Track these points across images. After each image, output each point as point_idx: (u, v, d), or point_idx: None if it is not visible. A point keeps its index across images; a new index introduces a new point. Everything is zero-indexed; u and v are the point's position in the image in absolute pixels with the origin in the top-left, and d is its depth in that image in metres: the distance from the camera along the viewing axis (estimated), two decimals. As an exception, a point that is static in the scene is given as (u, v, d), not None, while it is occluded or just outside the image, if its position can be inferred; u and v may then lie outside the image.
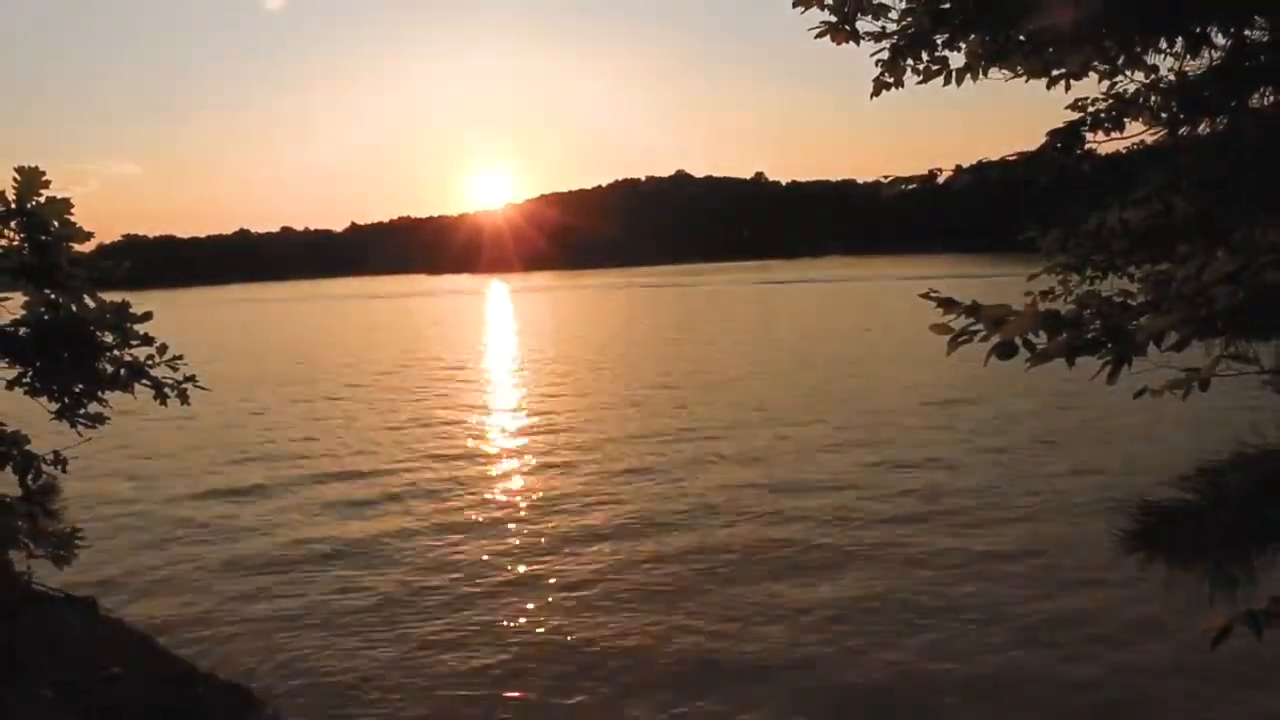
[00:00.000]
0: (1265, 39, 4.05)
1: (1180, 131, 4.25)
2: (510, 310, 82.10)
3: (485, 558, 13.75)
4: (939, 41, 4.68)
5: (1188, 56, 4.15)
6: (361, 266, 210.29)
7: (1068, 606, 11.03)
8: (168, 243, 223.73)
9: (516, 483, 18.52)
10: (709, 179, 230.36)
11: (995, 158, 4.79)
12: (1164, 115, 4.38)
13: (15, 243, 4.99)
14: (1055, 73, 4.55)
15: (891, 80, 4.89)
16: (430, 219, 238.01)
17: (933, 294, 3.78)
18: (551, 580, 12.72)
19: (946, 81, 4.74)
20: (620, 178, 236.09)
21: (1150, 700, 8.91)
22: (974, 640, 10.28)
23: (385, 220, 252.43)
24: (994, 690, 9.21)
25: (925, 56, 4.71)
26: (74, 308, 5.05)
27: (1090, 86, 4.66)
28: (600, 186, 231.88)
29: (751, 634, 10.73)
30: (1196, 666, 8.94)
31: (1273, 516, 3.95)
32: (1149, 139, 4.50)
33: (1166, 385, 3.55)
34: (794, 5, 4.90)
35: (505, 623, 11.32)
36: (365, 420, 26.79)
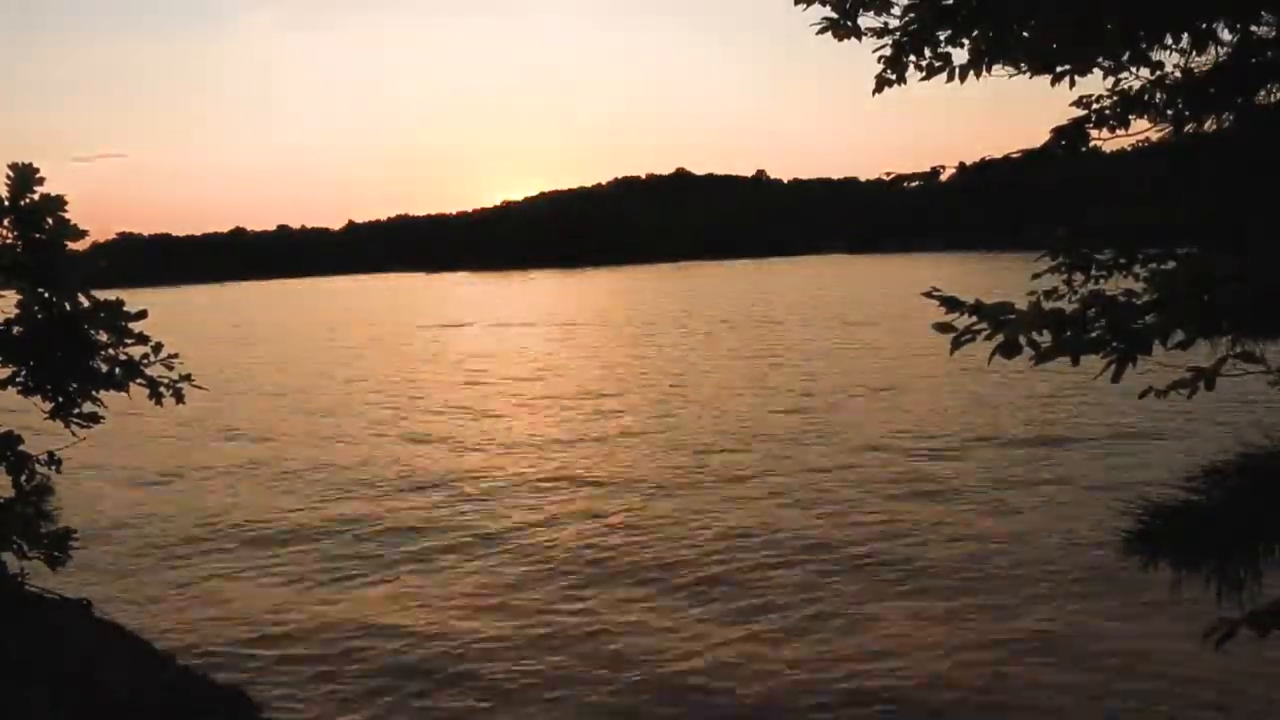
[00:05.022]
0: (1272, 35, 4.01)
1: (1186, 129, 4.22)
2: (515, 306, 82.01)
3: (496, 565, 13.64)
4: (942, 38, 4.65)
5: (1194, 53, 4.12)
6: (359, 265, 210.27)
7: (1067, 609, 11.00)
8: (163, 240, 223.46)
9: (535, 488, 18.33)
10: (710, 176, 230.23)
11: (999, 155, 4.76)
12: (1170, 112, 4.35)
13: (9, 240, 4.95)
14: (1059, 69, 4.51)
15: (894, 77, 4.86)
16: (428, 217, 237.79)
17: (935, 293, 3.74)
18: (563, 593, 12.53)
19: (950, 78, 4.70)
20: (620, 175, 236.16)
21: (1153, 703, 8.87)
22: (972, 642, 10.24)
23: (383, 218, 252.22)
24: (990, 694, 9.17)
25: (928, 53, 4.68)
26: (68, 306, 5.01)
27: (1095, 83, 4.63)
28: (600, 184, 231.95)
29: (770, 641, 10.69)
30: (1202, 668, 8.91)
31: (1278, 516, 3.92)
32: (1154, 136, 4.47)
33: (1172, 385, 3.51)
34: (795, 2, 4.86)
35: (512, 634, 11.18)
36: (372, 422, 26.74)
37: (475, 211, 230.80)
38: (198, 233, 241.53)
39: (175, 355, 5.39)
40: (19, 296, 5.03)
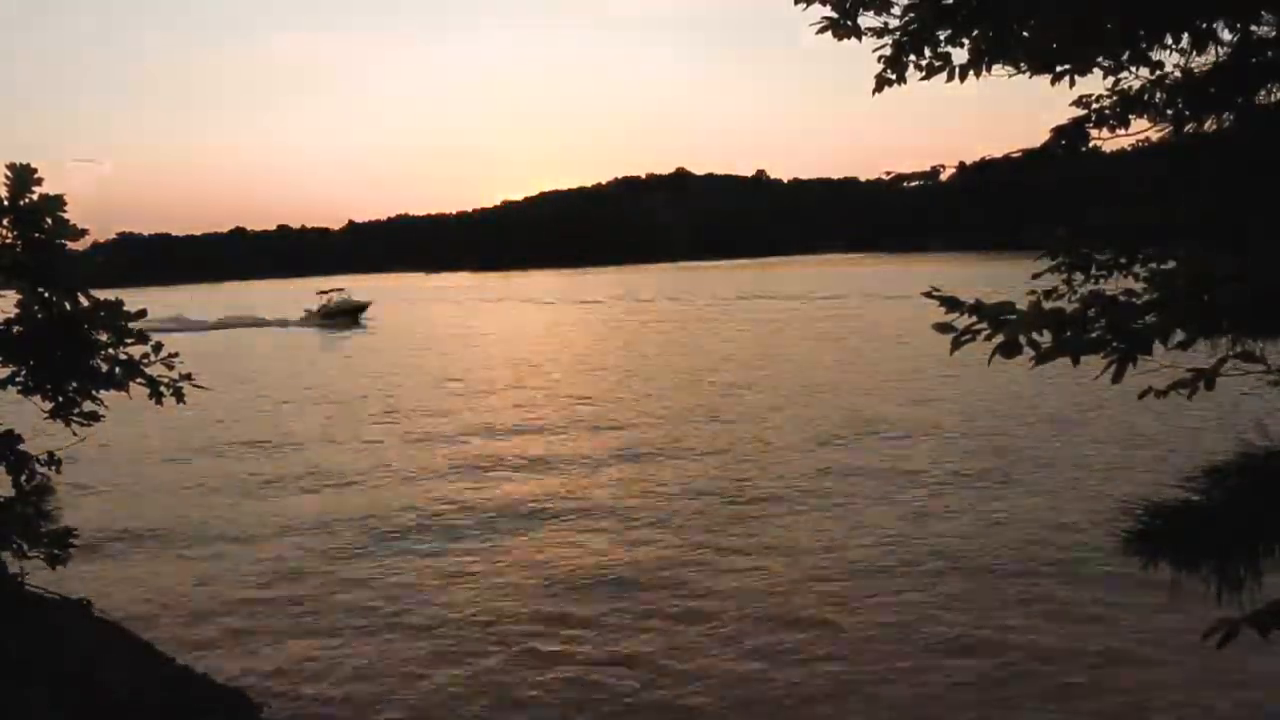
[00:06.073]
0: (1272, 35, 4.01)
1: (1186, 129, 4.21)
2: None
3: (498, 567, 13.61)
4: (942, 37, 4.65)
5: (1194, 53, 4.12)
6: (359, 265, 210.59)
7: (1066, 609, 11.00)
8: (163, 240, 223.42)
9: (534, 490, 18.33)
10: (710, 176, 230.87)
11: (999, 155, 4.76)
12: (1170, 112, 4.35)
13: (8, 240, 4.95)
14: (1059, 69, 4.51)
15: (894, 77, 4.86)
16: (428, 217, 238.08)
17: (935, 292, 3.74)
18: (561, 593, 12.49)
19: (950, 78, 4.70)
20: (620, 175, 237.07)
21: (1152, 704, 8.87)
22: (969, 643, 10.24)
23: (383, 218, 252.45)
24: (987, 693, 9.17)
25: (928, 52, 4.68)
26: (67, 306, 5.01)
27: (1095, 83, 4.63)
28: (600, 184, 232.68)
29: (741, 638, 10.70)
30: (1202, 668, 8.91)
31: (1278, 516, 3.92)
32: (1154, 136, 4.47)
33: (1172, 385, 3.51)
34: (796, 2, 4.86)
35: (512, 636, 11.15)
36: (377, 421, 26.74)
37: (475, 211, 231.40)
38: (198, 233, 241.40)
39: (175, 354, 5.40)
40: (19, 296, 5.04)
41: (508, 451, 21.36)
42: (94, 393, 5.30)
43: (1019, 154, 4.74)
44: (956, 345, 3.53)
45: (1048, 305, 3.44)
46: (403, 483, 18.71)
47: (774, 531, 14.33)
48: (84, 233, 5.05)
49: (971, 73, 4.68)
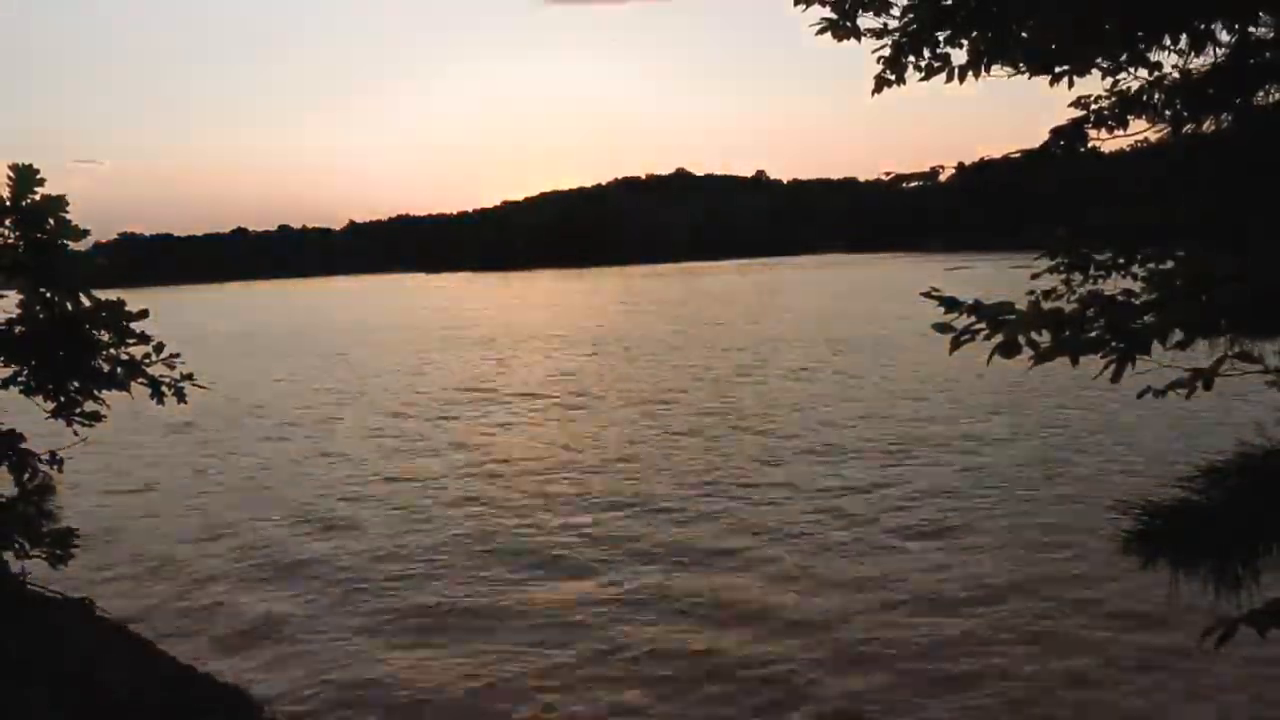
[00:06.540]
0: (1270, 36, 4.03)
1: (1185, 129, 4.23)
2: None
3: (504, 569, 13.58)
4: (941, 38, 4.67)
5: (1192, 54, 4.13)
6: (359, 265, 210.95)
7: (1064, 608, 11.00)
8: (164, 240, 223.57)
9: (542, 486, 18.35)
10: (710, 177, 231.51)
11: (999, 155, 4.78)
12: (1168, 113, 4.37)
13: (10, 240, 4.97)
14: (1058, 70, 4.53)
15: (893, 77, 4.89)
16: (428, 217, 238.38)
17: (934, 292, 3.76)
18: (567, 593, 12.49)
19: (949, 79, 4.73)
20: (620, 175, 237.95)
21: (1151, 705, 8.88)
22: (966, 642, 10.24)
23: (383, 218, 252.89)
24: (981, 691, 9.17)
25: (927, 53, 4.70)
26: (69, 306, 5.03)
27: (1093, 84, 4.65)
28: (600, 184, 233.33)
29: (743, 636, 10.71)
30: (1201, 668, 8.91)
31: (1277, 516, 3.93)
32: (1153, 137, 4.49)
33: (1170, 385, 3.53)
34: (795, 3, 4.88)
35: (517, 635, 11.15)
36: (377, 418, 26.76)
37: (475, 211, 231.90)
38: (199, 233, 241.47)
39: (177, 355, 5.42)
40: (20, 296, 5.06)
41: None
42: (96, 393, 5.32)
43: (1018, 154, 4.76)
44: (956, 345, 3.55)
45: (1047, 305, 3.46)
46: (415, 476, 18.73)
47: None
48: (86, 233, 5.07)
49: (970, 73, 4.70)
